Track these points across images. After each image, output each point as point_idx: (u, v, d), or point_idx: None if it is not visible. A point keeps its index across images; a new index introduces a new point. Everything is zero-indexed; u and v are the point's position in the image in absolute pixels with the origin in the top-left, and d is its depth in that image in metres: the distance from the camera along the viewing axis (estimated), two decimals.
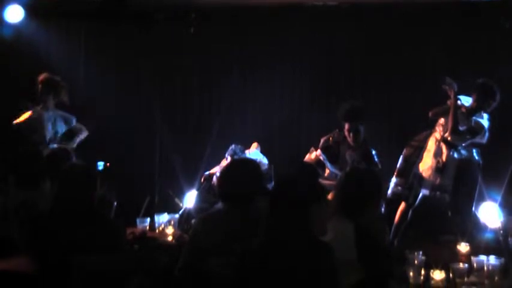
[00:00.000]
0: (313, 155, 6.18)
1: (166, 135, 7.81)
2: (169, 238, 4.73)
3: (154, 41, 7.88)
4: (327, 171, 6.11)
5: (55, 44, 7.97)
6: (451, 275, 3.58)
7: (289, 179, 3.08)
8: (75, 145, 6.40)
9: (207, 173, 6.59)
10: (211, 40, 7.89)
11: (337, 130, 6.15)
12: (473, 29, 7.34)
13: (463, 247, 4.18)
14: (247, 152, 6.59)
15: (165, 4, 7.74)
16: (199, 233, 3.46)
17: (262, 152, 6.83)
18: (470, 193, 5.94)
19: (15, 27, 7.69)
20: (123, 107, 8.03)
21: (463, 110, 5.93)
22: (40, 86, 6.22)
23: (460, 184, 5.92)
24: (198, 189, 6.56)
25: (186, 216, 5.74)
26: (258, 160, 6.11)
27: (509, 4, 7.14)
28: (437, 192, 5.95)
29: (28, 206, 4.28)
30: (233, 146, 6.40)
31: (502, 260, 3.64)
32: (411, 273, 3.56)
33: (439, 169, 5.93)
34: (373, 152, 6.03)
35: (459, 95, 5.93)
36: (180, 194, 6.83)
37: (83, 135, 6.39)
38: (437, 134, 6.05)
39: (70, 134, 6.30)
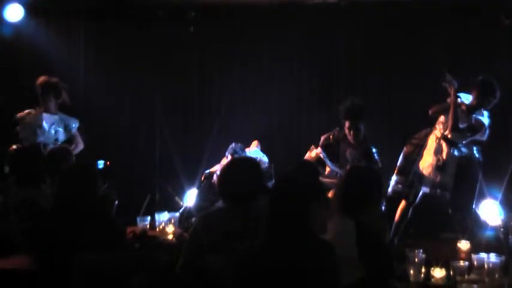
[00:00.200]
0: (313, 153, 6.18)
1: (167, 133, 7.82)
2: (170, 237, 4.73)
3: (154, 39, 7.89)
4: (327, 169, 6.11)
5: (55, 42, 7.97)
6: (451, 272, 3.57)
7: (289, 177, 3.08)
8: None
9: (207, 171, 6.60)
10: (211, 38, 7.89)
11: (337, 128, 6.15)
12: (473, 26, 7.34)
13: (464, 245, 4.18)
14: (247, 150, 6.59)
15: (164, 3, 7.74)
16: (199, 232, 3.45)
17: (262, 150, 6.84)
18: (470, 191, 5.94)
19: (15, 26, 7.69)
20: (123, 105, 8.04)
21: (463, 107, 5.92)
22: (39, 89, 6.22)
23: (461, 182, 5.92)
24: (198, 188, 6.57)
25: (187, 214, 5.74)
26: (258, 158, 6.11)
27: (508, 2, 7.14)
28: (438, 190, 5.95)
29: (28, 205, 4.29)
30: (233, 144, 6.40)
31: (503, 257, 3.63)
32: (411, 271, 3.56)
33: (440, 167, 5.93)
34: (374, 150, 6.03)
35: (459, 92, 5.93)
36: (181, 193, 6.85)
37: (78, 148, 6.36)
38: (438, 131, 6.05)
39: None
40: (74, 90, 7.42)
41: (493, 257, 3.62)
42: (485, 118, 5.92)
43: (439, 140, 6.00)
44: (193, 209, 5.97)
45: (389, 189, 6.08)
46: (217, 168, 6.32)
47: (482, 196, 6.08)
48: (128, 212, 5.34)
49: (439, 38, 7.43)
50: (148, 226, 4.93)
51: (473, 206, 5.98)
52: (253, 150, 6.73)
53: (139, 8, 7.82)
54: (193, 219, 5.18)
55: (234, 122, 7.76)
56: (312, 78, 7.93)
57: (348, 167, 5.39)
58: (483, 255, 3.69)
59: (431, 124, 6.16)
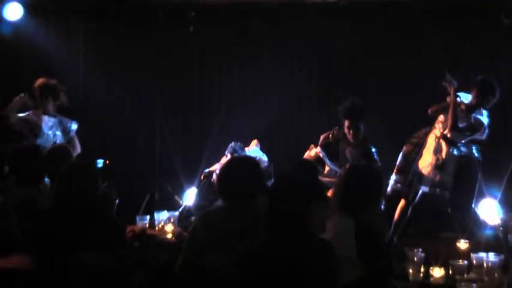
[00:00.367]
0: (312, 152, 6.17)
1: (166, 132, 7.82)
2: (169, 236, 4.73)
3: (154, 39, 7.89)
4: (327, 168, 6.11)
5: (54, 42, 7.96)
6: (450, 271, 3.58)
7: (288, 177, 3.08)
8: None
9: (206, 170, 6.61)
10: (210, 38, 7.89)
11: (336, 127, 6.15)
12: (473, 26, 7.34)
13: (463, 244, 4.18)
14: (246, 149, 6.60)
15: (164, 2, 7.74)
16: (199, 230, 3.45)
17: (262, 149, 6.84)
18: (470, 190, 5.94)
19: (15, 25, 7.69)
20: (122, 104, 8.04)
21: (463, 106, 5.92)
22: (38, 91, 6.22)
23: (460, 181, 5.92)
24: (197, 187, 6.57)
25: (186, 213, 5.75)
26: (257, 158, 6.11)
27: (508, 2, 7.15)
28: (437, 189, 5.95)
29: (28, 204, 4.29)
30: (233, 143, 6.41)
31: (502, 256, 3.65)
32: (411, 270, 3.56)
33: (439, 166, 5.93)
34: (373, 150, 6.03)
35: (459, 91, 5.93)
36: (180, 192, 6.85)
37: (76, 152, 6.35)
38: (437, 131, 6.05)
39: None
40: (73, 90, 7.46)
41: (492, 256, 3.63)
42: (484, 117, 5.92)
43: (439, 139, 6.00)
44: (193, 208, 5.97)
45: (389, 189, 6.08)
46: (216, 167, 6.32)
47: (481, 195, 6.09)
48: (127, 211, 5.34)
49: (439, 37, 7.43)
50: (147, 225, 4.94)
51: (473, 205, 5.98)
52: (253, 150, 6.73)
53: (139, 7, 7.82)
54: (193, 218, 5.18)
55: (234, 122, 7.76)
56: (311, 78, 7.93)
57: (347, 166, 5.40)
58: (482, 254, 3.70)
59: (430, 123, 6.16)
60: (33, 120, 6.14)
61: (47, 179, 4.96)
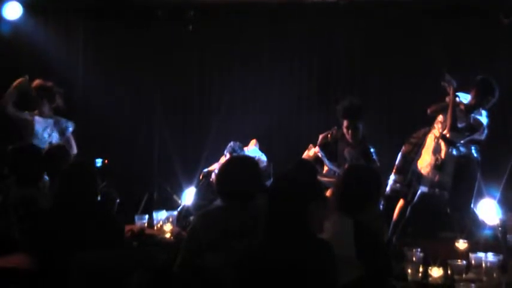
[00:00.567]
0: (311, 151, 6.17)
1: (166, 132, 7.81)
2: (168, 235, 4.73)
3: (153, 39, 7.88)
4: (326, 168, 6.11)
5: (54, 41, 7.95)
6: (449, 271, 3.58)
7: (287, 176, 3.08)
8: None
9: (205, 170, 6.61)
10: (210, 38, 7.89)
11: (335, 127, 6.15)
12: (472, 26, 7.34)
13: (462, 244, 4.18)
14: (245, 149, 6.60)
15: (163, 2, 7.74)
16: (197, 230, 3.45)
17: (261, 149, 6.84)
18: (469, 190, 5.94)
19: (14, 24, 7.68)
20: (122, 104, 8.03)
21: (462, 107, 5.92)
22: (33, 92, 6.23)
23: (459, 181, 5.92)
24: (196, 187, 6.57)
25: (185, 213, 5.75)
26: (256, 157, 6.12)
27: (508, 1, 7.15)
28: (436, 189, 5.95)
29: (27, 203, 4.28)
30: (232, 143, 6.41)
31: (500, 256, 3.65)
32: (409, 270, 3.56)
33: (438, 166, 5.93)
34: (372, 150, 6.03)
35: (458, 91, 5.93)
36: (179, 191, 6.84)
37: (72, 152, 6.35)
38: (436, 131, 6.05)
39: None
40: (72, 89, 7.45)
41: (490, 256, 3.63)
42: (483, 117, 5.92)
43: (438, 140, 6.00)
44: (192, 208, 5.97)
45: (388, 188, 6.08)
46: (215, 167, 6.33)
47: (480, 195, 6.09)
48: (126, 211, 5.34)
49: (439, 37, 7.43)
50: (146, 224, 4.93)
51: (472, 206, 5.99)
52: (252, 149, 6.74)
53: (138, 7, 7.81)
54: (192, 217, 5.18)
55: (233, 122, 7.76)
56: (311, 78, 7.93)
57: (346, 166, 5.40)
58: (481, 254, 3.70)
59: (429, 123, 6.16)
60: (26, 119, 6.15)
61: (46, 177, 4.96)
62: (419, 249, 3.76)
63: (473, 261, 3.68)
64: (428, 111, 6.07)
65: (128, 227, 4.52)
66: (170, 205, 6.17)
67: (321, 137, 6.14)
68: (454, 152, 5.95)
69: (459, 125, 5.84)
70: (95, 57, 8.08)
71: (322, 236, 2.92)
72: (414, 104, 7.04)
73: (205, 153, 7.32)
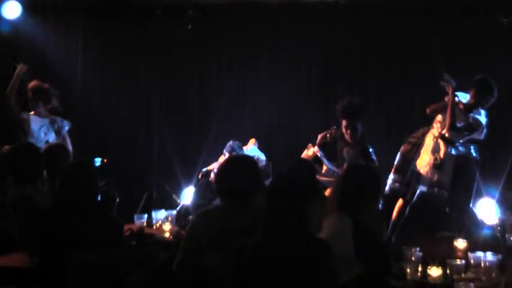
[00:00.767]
0: (310, 151, 6.17)
1: (165, 131, 7.81)
2: (167, 234, 4.74)
3: (152, 38, 7.88)
4: (324, 167, 6.11)
5: (53, 40, 7.95)
6: (448, 271, 3.58)
7: (286, 176, 3.08)
8: None
9: (204, 169, 6.61)
10: (209, 37, 7.89)
11: (334, 127, 6.16)
12: (472, 25, 7.35)
13: (461, 243, 4.19)
14: (245, 148, 6.60)
15: (162, 1, 7.73)
16: (197, 229, 3.45)
17: (261, 149, 6.84)
18: (467, 189, 5.94)
19: (13, 24, 7.67)
20: (121, 103, 8.03)
21: (461, 106, 5.93)
22: (30, 93, 6.25)
23: (458, 180, 5.93)
24: (195, 186, 6.57)
25: (184, 212, 5.74)
26: (255, 157, 6.12)
27: (507, 1, 7.15)
28: (435, 189, 5.96)
29: (25, 202, 4.28)
30: (231, 142, 6.41)
31: (499, 256, 3.65)
32: (408, 270, 3.56)
33: (437, 165, 5.93)
34: (371, 150, 6.04)
35: (457, 91, 5.93)
36: (178, 190, 6.84)
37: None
38: (435, 130, 6.05)
39: None
40: (71, 88, 7.44)
41: (489, 256, 3.63)
42: (482, 117, 5.92)
43: (437, 139, 6.01)
44: (191, 207, 5.97)
45: (387, 188, 6.08)
46: (214, 166, 6.33)
47: (479, 195, 6.08)
48: (125, 210, 5.34)
49: (438, 37, 7.43)
50: (145, 224, 4.93)
51: (471, 205, 5.98)
52: (251, 148, 6.74)
53: (137, 6, 7.81)
54: (191, 217, 5.17)
55: (233, 121, 7.76)
56: (310, 77, 7.93)
57: (345, 165, 5.40)
58: (480, 253, 3.71)
59: (428, 123, 6.16)
60: (23, 118, 6.17)
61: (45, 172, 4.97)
62: (418, 249, 3.77)
63: (472, 261, 3.68)
64: (428, 110, 6.08)
65: (127, 226, 4.53)
66: (169, 204, 6.16)
67: (320, 136, 6.14)
68: (453, 152, 5.96)
69: (458, 125, 5.84)
70: (94, 57, 8.08)
71: (321, 235, 2.92)
72: (413, 103, 7.05)
73: (204, 153, 7.31)
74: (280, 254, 2.76)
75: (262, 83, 7.90)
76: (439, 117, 6.04)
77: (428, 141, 6.07)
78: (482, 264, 3.60)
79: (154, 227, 4.96)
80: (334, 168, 6.00)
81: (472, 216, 5.89)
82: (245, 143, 6.72)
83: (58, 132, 6.30)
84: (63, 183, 3.77)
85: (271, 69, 7.92)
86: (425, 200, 6.01)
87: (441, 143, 5.97)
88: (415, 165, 6.04)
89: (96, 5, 7.87)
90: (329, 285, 2.78)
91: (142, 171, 7.77)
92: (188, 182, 6.93)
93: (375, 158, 6.00)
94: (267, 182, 5.12)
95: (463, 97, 5.98)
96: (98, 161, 6.27)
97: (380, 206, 5.67)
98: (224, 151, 6.38)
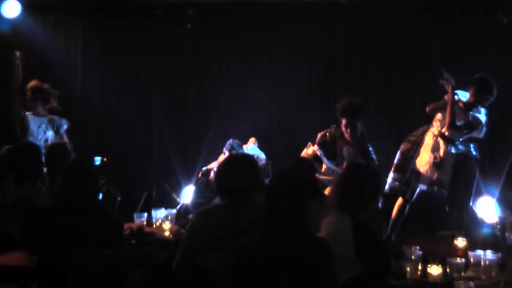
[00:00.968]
0: (310, 150, 6.17)
1: (164, 130, 7.81)
2: (167, 233, 4.74)
3: (151, 37, 7.87)
4: (324, 166, 6.11)
5: (52, 39, 7.94)
6: (448, 269, 3.58)
7: (286, 174, 3.08)
8: None
9: (204, 168, 6.61)
10: (209, 36, 7.88)
11: (334, 126, 6.16)
12: (471, 24, 7.34)
13: (460, 242, 4.19)
14: (244, 147, 6.59)
15: (162, 0, 7.72)
16: (196, 228, 3.45)
17: (260, 147, 6.84)
18: (467, 188, 5.94)
19: (12, 23, 7.66)
20: (120, 102, 8.03)
21: (461, 104, 5.93)
22: (29, 93, 6.26)
23: (458, 179, 5.93)
24: (195, 185, 6.57)
25: (184, 211, 5.74)
26: (255, 155, 6.12)
27: (507, 0, 7.15)
28: (435, 188, 5.95)
29: (25, 201, 4.28)
30: (231, 140, 6.41)
31: (499, 255, 3.65)
32: (408, 268, 3.57)
33: (437, 164, 5.93)
34: (370, 148, 6.04)
35: (456, 89, 5.93)
36: (178, 189, 6.83)
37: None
38: (435, 129, 6.05)
39: None
40: (71, 87, 7.44)
41: (489, 254, 3.63)
42: (482, 115, 5.92)
43: (436, 138, 6.01)
44: (191, 206, 5.96)
45: (387, 187, 6.08)
46: (214, 165, 6.32)
47: (479, 193, 6.08)
48: (125, 209, 5.34)
49: (438, 35, 7.43)
50: (145, 223, 4.94)
51: (470, 204, 5.98)
52: (251, 147, 6.74)
53: (137, 5, 7.80)
54: (191, 216, 5.17)
55: (232, 120, 7.76)
56: (310, 76, 7.93)
57: (344, 164, 5.39)
58: (480, 252, 3.71)
59: (428, 121, 6.16)
60: (22, 117, 6.18)
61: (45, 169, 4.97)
62: (418, 247, 3.77)
63: (472, 259, 3.69)
64: (427, 109, 6.07)
65: (127, 225, 4.52)
66: (169, 203, 6.15)
67: (319, 135, 6.15)
68: (453, 150, 5.96)
69: (458, 123, 5.84)
70: (93, 56, 8.07)
71: (321, 234, 2.92)
72: (413, 103, 7.05)
73: (203, 152, 7.30)
74: (280, 253, 2.76)
75: (262, 81, 7.90)
76: (439, 115, 6.04)
77: (428, 140, 6.07)
78: (482, 263, 3.60)
79: (154, 226, 4.96)
80: (333, 167, 6.00)
81: (472, 214, 5.89)
82: (245, 141, 6.72)
83: (57, 131, 6.31)
84: (64, 182, 3.77)
85: (271, 68, 7.91)
86: (425, 198, 6.01)
87: (441, 142, 5.97)
88: (415, 164, 6.04)
89: (96, 5, 7.86)
90: (329, 284, 2.78)
91: (142, 170, 7.77)
92: (188, 181, 6.92)
93: (374, 156, 6.00)
94: (267, 181, 5.12)
95: (463, 95, 5.98)
96: (97, 160, 6.27)
97: (380, 204, 5.67)
98: (224, 150, 6.38)
